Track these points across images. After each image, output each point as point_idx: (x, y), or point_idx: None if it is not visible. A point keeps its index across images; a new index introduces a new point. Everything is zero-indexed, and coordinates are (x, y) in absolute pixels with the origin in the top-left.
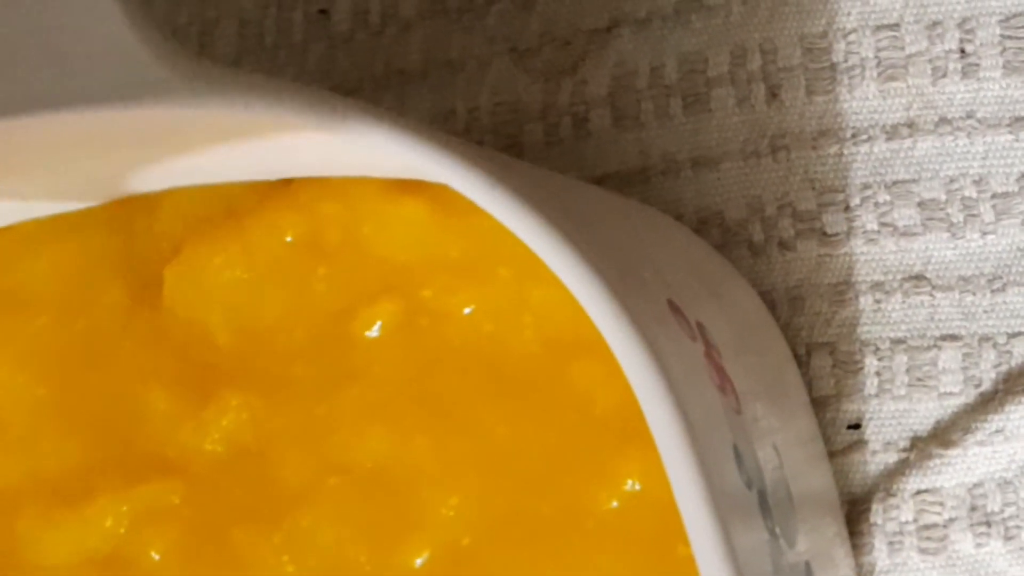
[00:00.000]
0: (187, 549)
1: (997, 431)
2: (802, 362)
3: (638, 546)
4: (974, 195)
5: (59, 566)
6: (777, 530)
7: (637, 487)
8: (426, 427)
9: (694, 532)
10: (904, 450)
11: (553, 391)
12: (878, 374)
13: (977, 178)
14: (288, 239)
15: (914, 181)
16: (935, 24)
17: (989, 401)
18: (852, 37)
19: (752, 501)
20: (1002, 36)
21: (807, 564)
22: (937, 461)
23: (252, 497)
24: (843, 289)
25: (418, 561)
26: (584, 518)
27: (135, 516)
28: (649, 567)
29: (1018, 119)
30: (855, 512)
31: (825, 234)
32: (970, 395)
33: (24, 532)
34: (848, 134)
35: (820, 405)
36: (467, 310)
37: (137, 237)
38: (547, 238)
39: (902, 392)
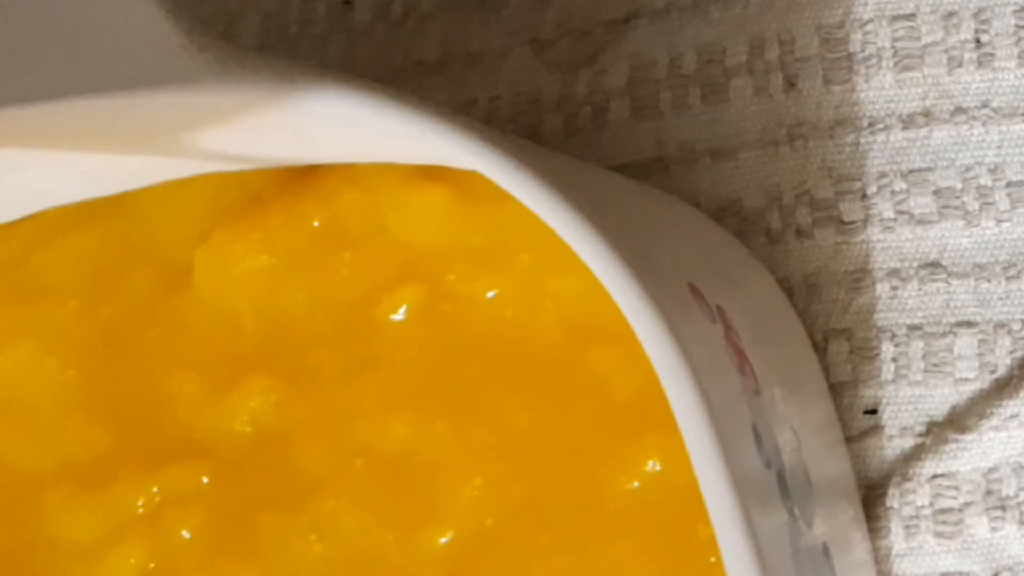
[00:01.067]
0: (215, 530)
1: (1012, 416)
2: (819, 348)
3: (659, 529)
4: (989, 183)
5: (87, 543)
6: (796, 511)
7: (657, 469)
8: (448, 412)
9: (715, 511)
10: (920, 435)
11: (573, 376)
12: (894, 360)
13: (992, 167)
14: (315, 224)
15: (930, 170)
16: (951, 14)
17: (1004, 387)
18: (869, 27)
19: (771, 482)
20: (1017, 26)
21: (824, 546)
22: (953, 446)
23: (278, 480)
24: (860, 276)
25: (443, 540)
26: (604, 502)
27: (163, 497)
28: (670, 549)
29: None
30: (872, 496)
31: (842, 222)
32: (985, 381)
33: (52, 513)
34: (865, 123)
35: (837, 391)
36: (489, 295)
37: (162, 225)
38: (571, 221)
39: (918, 378)
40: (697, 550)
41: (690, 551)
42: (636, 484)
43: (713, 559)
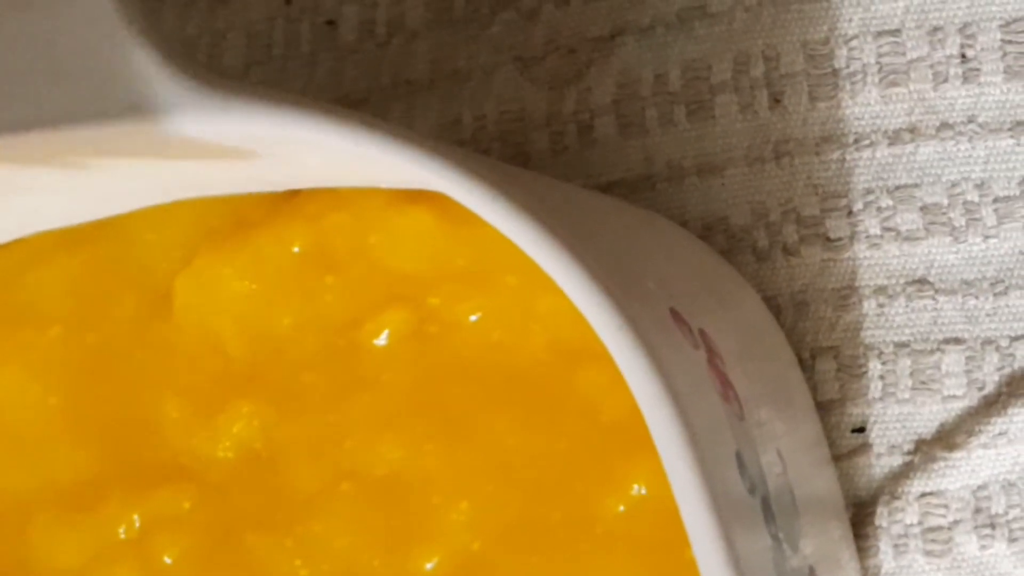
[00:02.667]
0: (200, 554)
1: (1001, 434)
2: (807, 366)
3: (646, 550)
4: (976, 199)
5: (73, 569)
6: (781, 535)
7: (644, 492)
8: (435, 434)
9: (696, 538)
10: (908, 453)
11: (561, 398)
12: (882, 378)
13: (979, 182)
14: (295, 249)
15: (916, 186)
16: (936, 29)
17: (992, 404)
18: (854, 43)
19: (755, 507)
20: (1003, 41)
21: (811, 568)
22: (941, 464)
23: (265, 503)
24: (847, 294)
25: (429, 565)
26: (592, 523)
27: (148, 521)
28: (658, 571)
29: (1019, 123)
30: (860, 515)
31: (829, 239)
32: (974, 398)
33: (36, 538)
34: (851, 139)
35: (825, 409)
36: (474, 318)
37: (147, 249)
38: (548, 248)
39: (906, 396)
40: (684, 571)
41: (677, 573)
42: (623, 507)
43: None
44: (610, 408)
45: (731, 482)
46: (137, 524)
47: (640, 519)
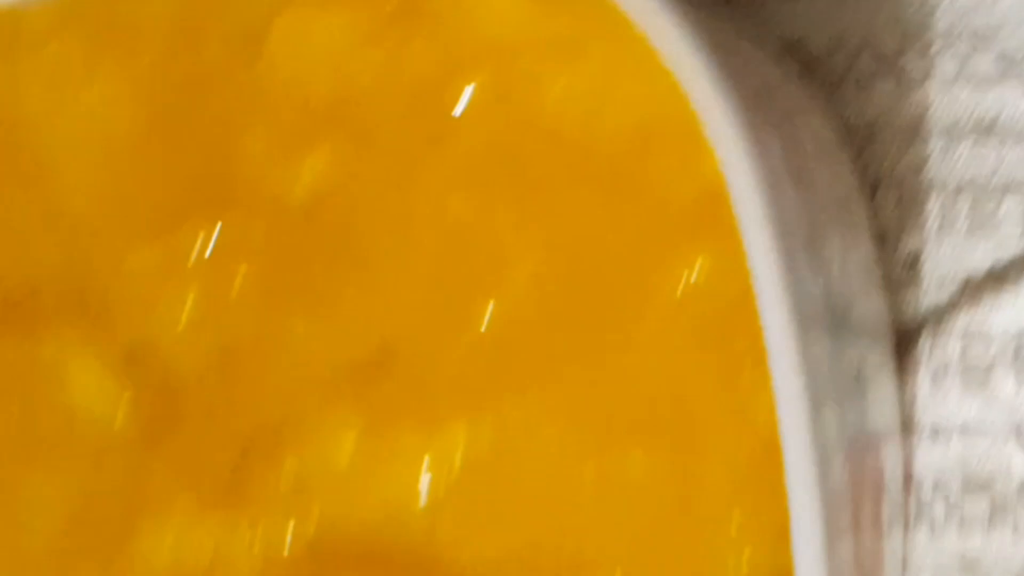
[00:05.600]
0: (265, 287)
1: None
2: (868, 196)
3: (698, 339)
4: None
5: (142, 286)
6: (835, 334)
7: (703, 281)
8: (507, 198)
9: (770, 317)
10: (957, 290)
11: (633, 179)
12: (939, 215)
13: None
14: (389, 7)
15: (995, 32)
16: None
17: None
18: None
19: (820, 295)
20: None
21: (857, 374)
22: (987, 304)
23: (334, 244)
24: (915, 131)
25: (484, 320)
26: (648, 305)
27: (218, 250)
28: (705, 358)
29: None
30: (903, 345)
31: (903, 76)
32: None
33: (109, 252)
34: None
35: (880, 239)
36: (557, 91)
37: None
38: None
39: (960, 235)
40: (732, 363)
41: (724, 362)
42: (681, 291)
43: (748, 373)
44: (680, 195)
45: (804, 270)
46: (210, 248)
47: (696, 307)
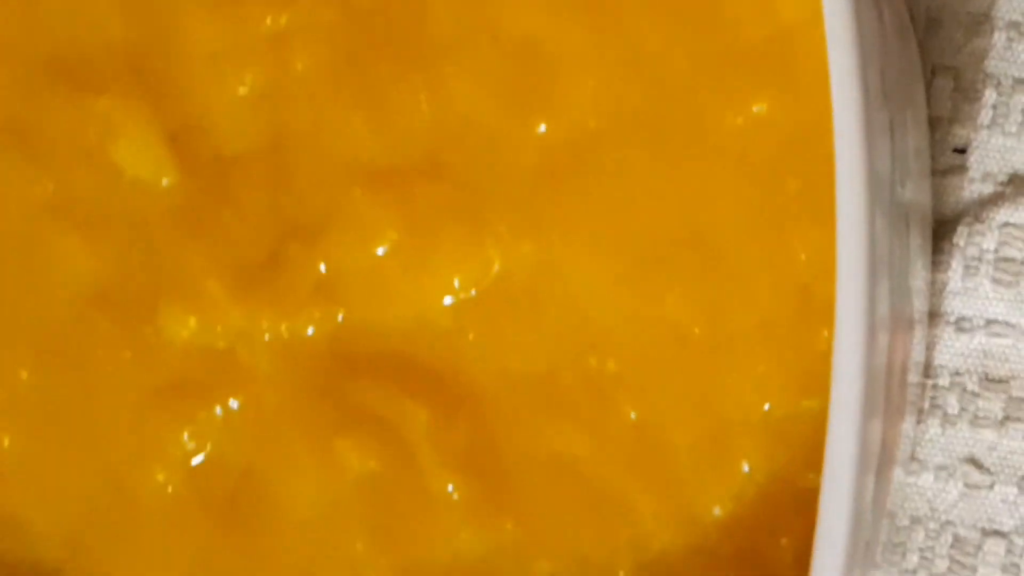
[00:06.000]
0: (331, 68)
1: None
2: (926, 81)
3: (748, 174)
4: None
5: (206, 55)
6: (893, 203)
7: (764, 113)
8: (581, 14)
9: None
10: (1001, 183)
11: (707, 13)
12: (994, 107)
13: None
14: None
15: None
16: None
17: None
18: None
19: (887, 155)
20: None
21: (905, 251)
22: None
23: (403, 36)
24: (980, 21)
25: (541, 129)
26: (708, 133)
27: (291, 25)
28: (753, 194)
29: None
30: (941, 231)
31: None
32: None
33: (171, 21)
34: None
35: (933, 125)
36: None
37: None
38: None
39: (1012, 129)
40: (783, 201)
41: (776, 200)
42: (738, 127)
43: (794, 214)
44: (751, 31)
45: (877, 114)
46: (280, 25)
47: (754, 139)
